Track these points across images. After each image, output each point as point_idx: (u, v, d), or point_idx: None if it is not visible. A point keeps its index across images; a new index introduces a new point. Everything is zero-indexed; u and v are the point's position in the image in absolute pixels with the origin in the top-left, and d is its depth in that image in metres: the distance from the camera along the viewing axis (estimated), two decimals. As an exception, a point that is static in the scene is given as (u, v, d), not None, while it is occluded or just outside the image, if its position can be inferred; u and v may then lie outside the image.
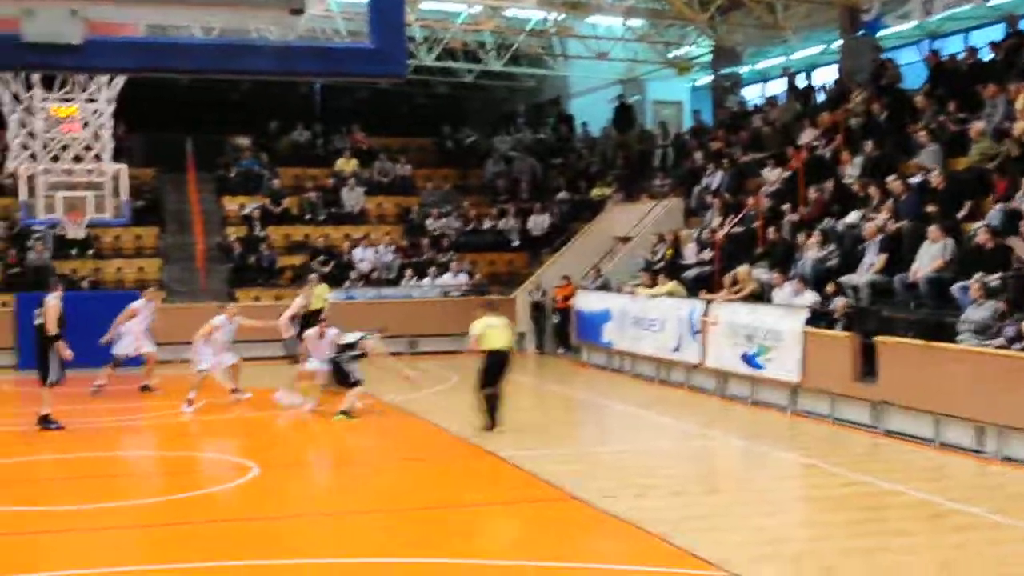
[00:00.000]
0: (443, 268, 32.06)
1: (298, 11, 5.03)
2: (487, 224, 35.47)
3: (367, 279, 31.94)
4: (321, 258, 31.87)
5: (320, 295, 26.80)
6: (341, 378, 19.46)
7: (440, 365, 25.43)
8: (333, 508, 13.83)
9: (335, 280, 31.13)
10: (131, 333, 22.89)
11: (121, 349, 22.87)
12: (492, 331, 18.00)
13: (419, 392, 20.84)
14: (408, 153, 38.79)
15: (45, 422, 18.25)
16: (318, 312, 27.26)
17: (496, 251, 34.57)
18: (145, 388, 23.17)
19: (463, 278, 31.71)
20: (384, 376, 20.31)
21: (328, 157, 37.29)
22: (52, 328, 18.38)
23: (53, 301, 18.60)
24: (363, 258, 32.55)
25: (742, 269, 22.37)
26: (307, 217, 34.70)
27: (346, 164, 36.34)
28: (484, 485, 14.97)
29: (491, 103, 42.97)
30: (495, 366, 17.70)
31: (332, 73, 5.92)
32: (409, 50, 34.90)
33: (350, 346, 19.33)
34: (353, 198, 35.34)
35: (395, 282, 31.85)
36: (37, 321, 18.61)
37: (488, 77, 38.83)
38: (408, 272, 32.00)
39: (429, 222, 34.59)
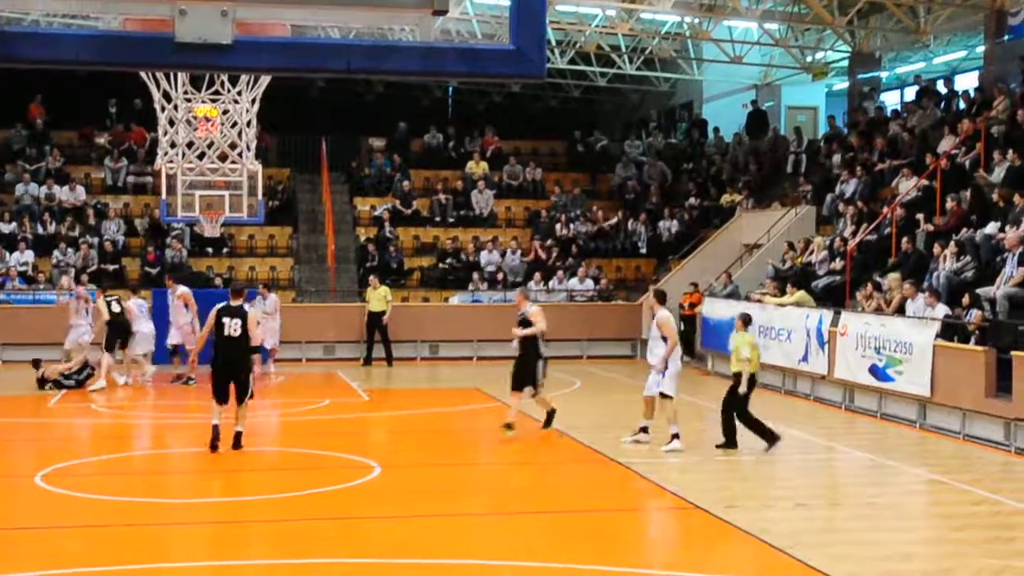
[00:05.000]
0: (570, 273, 31.82)
1: (441, 11, 5.08)
2: (616, 229, 35.05)
3: (492, 282, 31.92)
4: (451, 261, 31.94)
5: (381, 297, 27.22)
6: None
7: (564, 370, 25.29)
8: (455, 509, 13.82)
9: (460, 283, 31.17)
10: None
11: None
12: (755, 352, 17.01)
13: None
14: (539, 157, 38.84)
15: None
16: (380, 315, 27.69)
17: (624, 256, 34.36)
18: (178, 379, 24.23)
19: (589, 283, 31.42)
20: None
21: (459, 160, 37.53)
22: (257, 339, 17.23)
23: (252, 311, 17.47)
24: (489, 261, 32.56)
25: (893, 276, 21.81)
26: (437, 219, 34.90)
27: (476, 167, 36.47)
28: (607, 492, 14.84)
29: (623, 107, 42.83)
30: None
31: (474, 74, 5.78)
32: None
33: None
34: (483, 201, 35.43)
35: (521, 286, 31.62)
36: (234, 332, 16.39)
37: (621, 81, 38.75)
38: (536, 276, 31.82)
39: (558, 227, 34.34)
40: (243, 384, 16.07)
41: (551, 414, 17.99)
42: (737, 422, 16.50)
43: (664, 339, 16.64)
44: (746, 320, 17.07)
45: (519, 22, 5.09)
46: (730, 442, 16.56)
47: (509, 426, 17.41)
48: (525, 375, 17.49)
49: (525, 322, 17.56)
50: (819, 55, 35.61)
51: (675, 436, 16.40)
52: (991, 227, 20.99)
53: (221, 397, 16.03)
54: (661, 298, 17.51)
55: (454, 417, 21.61)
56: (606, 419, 20.14)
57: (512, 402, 17.74)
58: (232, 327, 16.02)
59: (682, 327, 28.70)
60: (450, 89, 41.01)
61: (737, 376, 16.43)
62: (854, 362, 20.89)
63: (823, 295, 23.99)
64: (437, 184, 36.03)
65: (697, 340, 28.00)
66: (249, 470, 16.11)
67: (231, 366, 16.08)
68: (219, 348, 16.18)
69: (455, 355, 29.73)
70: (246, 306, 16.86)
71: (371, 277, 28.91)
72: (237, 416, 16.23)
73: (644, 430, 16.93)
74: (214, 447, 15.97)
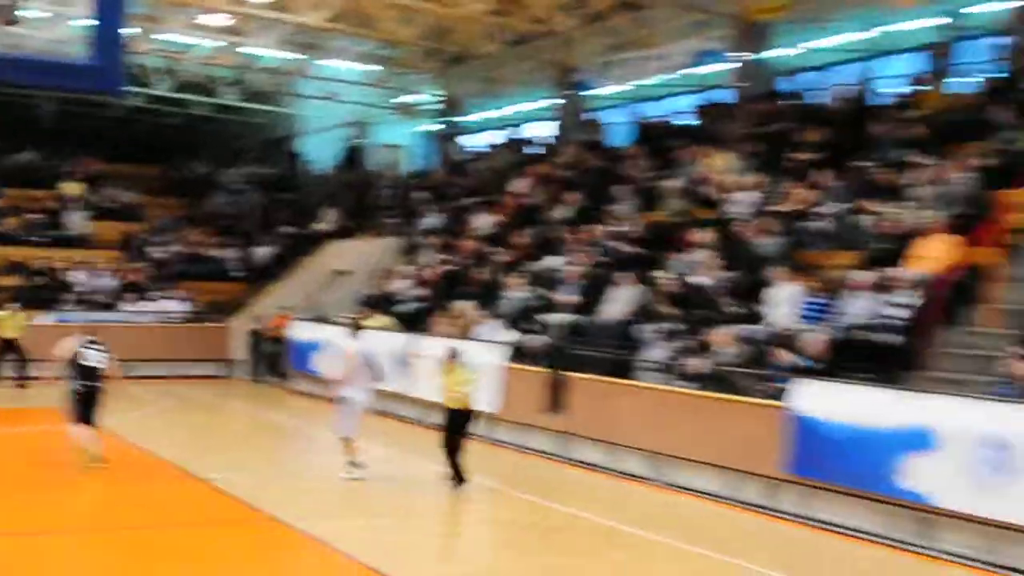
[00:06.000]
0: (164, 294, 31.78)
1: (12, 22, 5.27)
2: (211, 253, 35.23)
3: (83, 301, 31.37)
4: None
5: (16, 324, 26.44)
6: None
7: (153, 390, 25.26)
8: (29, 528, 13.36)
9: (49, 302, 30.55)
10: None
11: None
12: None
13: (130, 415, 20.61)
14: (138, 181, 38.27)
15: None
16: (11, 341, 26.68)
17: (218, 280, 34.44)
18: None
19: (182, 305, 31.53)
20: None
21: (54, 180, 36.46)
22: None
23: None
24: (80, 280, 32.01)
25: (463, 305, 23.01)
26: (28, 238, 33.81)
27: (72, 187, 35.67)
28: (188, 507, 14.79)
29: (224, 136, 42.73)
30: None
31: (46, 84, 6.14)
32: (143, 79, 34.63)
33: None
34: (77, 221, 34.67)
35: (113, 306, 31.37)
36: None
37: (222, 111, 38.70)
38: (128, 296, 31.55)
39: (152, 249, 34.19)
40: None
41: None
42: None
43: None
44: (454, 355, 16.20)
45: (97, 37, 5.32)
46: (458, 477, 15.75)
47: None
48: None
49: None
50: (410, 97, 37.00)
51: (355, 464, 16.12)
52: (553, 260, 22.74)
53: None
54: (354, 329, 17.17)
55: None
56: (192, 438, 20.31)
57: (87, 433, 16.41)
58: None
59: (270, 349, 29.55)
60: (52, 109, 39.74)
61: (452, 412, 15.84)
62: (433, 381, 21.93)
63: (406, 320, 24.79)
64: (30, 203, 34.98)
65: (285, 361, 28.58)
66: None
67: None
68: None
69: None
70: None
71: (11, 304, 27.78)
72: None
73: (352, 464, 16.29)
74: None
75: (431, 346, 22.19)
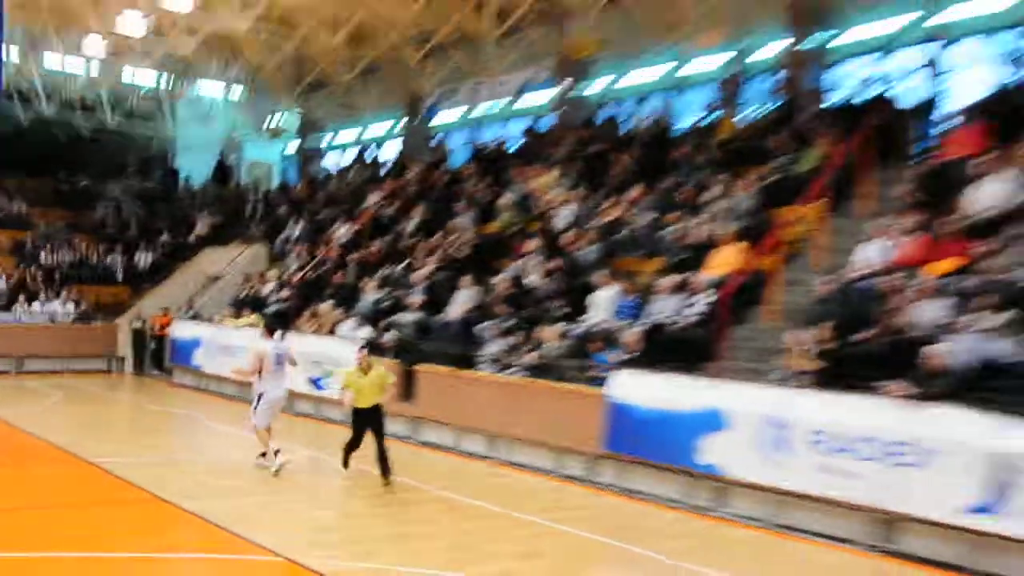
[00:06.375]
0: (53, 297, 30.78)
1: None
2: (96, 259, 34.22)
3: (-28, 305, 30.18)
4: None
5: None
6: None
7: (45, 384, 24.42)
8: None
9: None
10: None
11: None
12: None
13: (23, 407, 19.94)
14: (25, 192, 36.71)
15: None
16: None
17: (103, 284, 33.35)
18: None
19: (71, 307, 30.62)
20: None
21: (-56, 191, 34.87)
22: None
23: None
24: (-30, 285, 30.79)
25: (324, 306, 22.78)
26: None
27: (-41, 198, 34.24)
28: (76, 488, 14.26)
29: (106, 152, 41.36)
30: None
31: None
32: (30, 99, 33.54)
33: None
34: (-34, 230, 33.37)
35: (7, 308, 30.26)
36: None
37: (105, 129, 37.57)
38: (20, 299, 30.45)
39: (43, 255, 33.10)
40: None
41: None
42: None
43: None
44: (368, 354, 15.13)
45: None
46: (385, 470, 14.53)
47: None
48: None
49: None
50: (275, 120, 36.43)
51: (276, 452, 15.02)
52: (401, 266, 22.71)
53: None
54: (268, 330, 16.06)
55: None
56: (80, 425, 19.61)
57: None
58: None
59: (153, 345, 28.92)
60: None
61: (364, 410, 14.74)
62: (297, 375, 21.59)
63: (274, 319, 24.20)
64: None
65: (167, 356, 27.89)
66: None
67: None
68: None
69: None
70: None
71: None
72: None
73: (263, 455, 15.37)
74: None
75: (296, 343, 22.03)
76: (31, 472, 15.32)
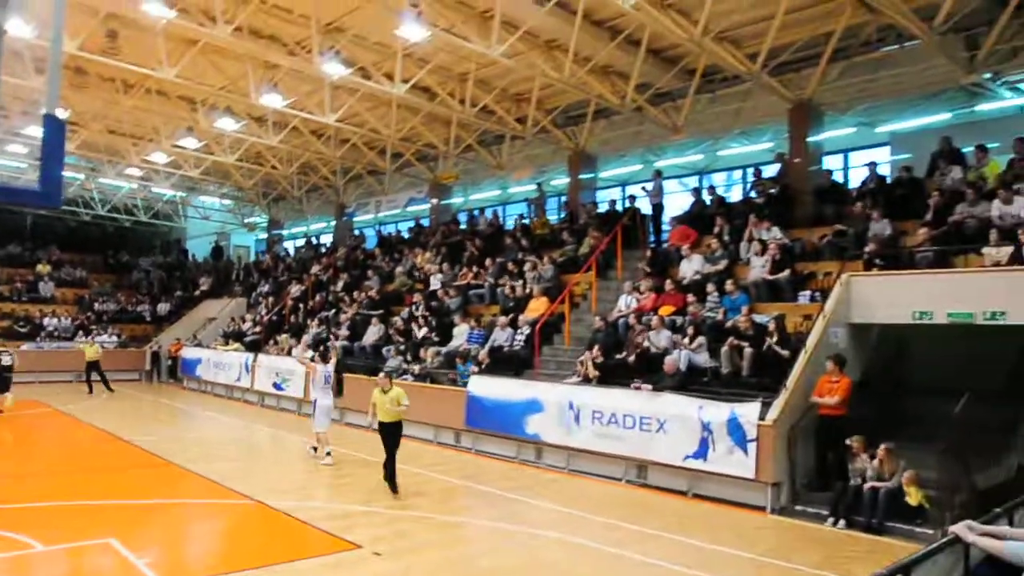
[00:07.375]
0: (102, 332, 28.41)
1: None
2: (131, 307, 31.71)
3: (51, 336, 27.63)
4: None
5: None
6: None
7: (96, 388, 22.59)
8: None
9: (31, 337, 26.87)
10: None
11: None
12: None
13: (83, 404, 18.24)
14: (85, 264, 33.84)
15: None
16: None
17: (136, 323, 30.77)
18: None
19: (114, 338, 28.40)
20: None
21: (34, 262, 31.98)
22: None
23: None
24: (49, 323, 28.20)
25: (282, 337, 21.69)
26: (14, 298, 29.48)
27: (43, 267, 31.45)
28: (117, 457, 13.15)
29: (140, 238, 38.59)
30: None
31: (11, 202, 5.20)
32: (87, 202, 31.32)
33: None
34: (47, 288, 30.59)
35: (71, 339, 27.70)
36: None
37: (139, 223, 35.14)
38: (80, 333, 27.96)
39: (96, 305, 30.68)
40: None
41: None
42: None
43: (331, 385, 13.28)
44: (389, 377, 11.11)
45: (46, 171, 4.55)
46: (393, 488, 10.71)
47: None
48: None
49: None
50: (252, 217, 35.03)
51: (327, 453, 12.76)
52: (333, 311, 21.72)
53: None
54: (322, 358, 13.88)
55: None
56: (123, 414, 17.97)
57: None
58: None
59: (169, 363, 26.97)
60: (30, 218, 35.01)
61: (387, 424, 10.76)
62: (265, 380, 20.62)
63: (249, 346, 23.22)
64: (15, 277, 30.59)
65: (178, 369, 25.85)
66: None
67: None
68: None
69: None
70: None
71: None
72: None
73: (315, 449, 13.34)
74: None
75: (264, 360, 21.04)
76: (87, 448, 14.17)
